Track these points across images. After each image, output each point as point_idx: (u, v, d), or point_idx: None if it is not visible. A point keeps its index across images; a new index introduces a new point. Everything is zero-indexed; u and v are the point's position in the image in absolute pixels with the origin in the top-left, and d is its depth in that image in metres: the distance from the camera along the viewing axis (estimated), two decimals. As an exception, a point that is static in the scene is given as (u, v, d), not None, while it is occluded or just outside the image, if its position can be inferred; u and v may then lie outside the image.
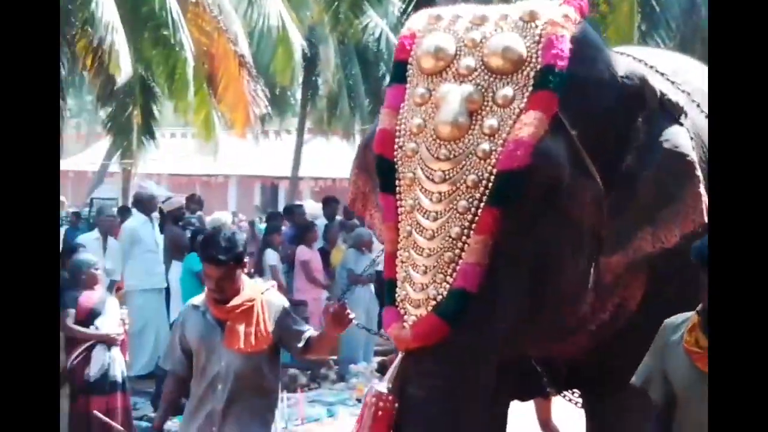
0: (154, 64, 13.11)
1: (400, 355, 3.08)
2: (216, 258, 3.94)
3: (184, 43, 11.98)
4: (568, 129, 3.06)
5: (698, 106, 3.52)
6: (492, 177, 2.99)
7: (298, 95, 21.82)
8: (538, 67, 3.08)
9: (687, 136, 3.24)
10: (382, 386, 3.05)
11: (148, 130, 14.21)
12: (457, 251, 3.00)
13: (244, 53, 13.04)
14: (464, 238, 2.99)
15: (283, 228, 10.84)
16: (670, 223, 3.15)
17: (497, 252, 2.99)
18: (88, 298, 6.22)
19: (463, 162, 3.03)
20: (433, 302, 3.00)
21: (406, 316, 3.04)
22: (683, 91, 3.49)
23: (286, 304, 4.24)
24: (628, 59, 3.45)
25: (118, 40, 11.12)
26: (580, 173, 3.11)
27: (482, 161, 3.01)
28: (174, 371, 4.21)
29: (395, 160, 3.17)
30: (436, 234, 3.02)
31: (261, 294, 4.09)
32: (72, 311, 6.14)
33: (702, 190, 3.12)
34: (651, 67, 3.45)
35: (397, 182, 3.16)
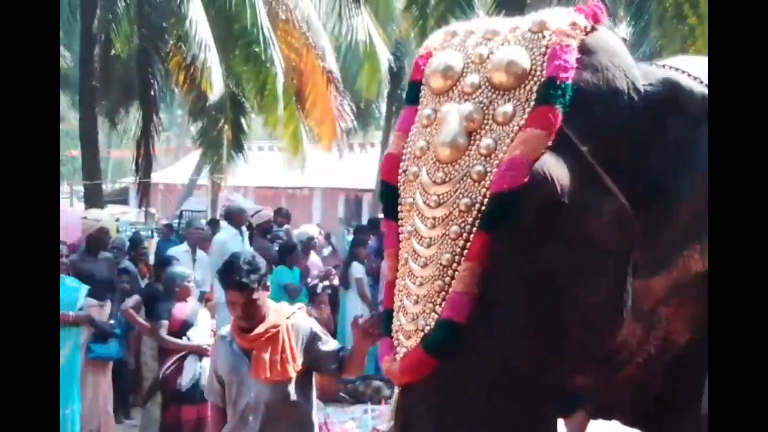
0: (245, 80, 13.41)
1: (396, 390, 2.92)
2: (240, 282, 3.82)
3: (274, 59, 12.22)
4: (576, 145, 2.81)
5: None
6: (485, 200, 2.77)
7: (383, 108, 21.99)
8: (542, 80, 2.83)
9: None
10: (385, 427, 2.90)
11: (237, 144, 14.49)
12: (447, 279, 2.78)
13: (331, 69, 13.25)
14: (455, 265, 2.78)
15: (369, 241, 10.95)
16: None
17: (489, 277, 2.76)
18: (180, 309, 6.40)
19: (458, 185, 2.81)
20: (422, 333, 2.80)
21: (398, 348, 2.86)
22: None
23: (315, 326, 4.09)
24: (660, 68, 3.17)
25: (210, 57, 11.43)
26: (593, 190, 2.84)
27: (476, 183, 2.79)
28: (216, 403, 4.12)
29: (399, 185, 2.98)
30: (428, 261, 2.82)
31: (287, 319, 3.96)
32: (165, 322, 6.34)
33: None
34: (695, 78, 3.11)
35: (399, 208, 2.98)
